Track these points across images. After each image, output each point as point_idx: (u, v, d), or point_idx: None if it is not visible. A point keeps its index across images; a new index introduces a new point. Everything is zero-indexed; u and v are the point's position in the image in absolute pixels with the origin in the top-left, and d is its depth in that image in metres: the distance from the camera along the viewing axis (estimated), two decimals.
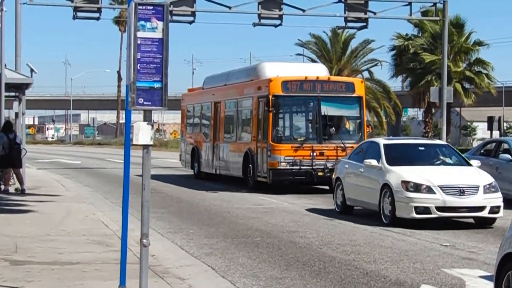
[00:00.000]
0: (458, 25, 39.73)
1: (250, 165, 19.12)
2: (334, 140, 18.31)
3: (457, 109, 62.48)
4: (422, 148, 13.79)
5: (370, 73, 42.01)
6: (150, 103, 5.89)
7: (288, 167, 17.99)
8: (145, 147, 5.99)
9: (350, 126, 19.28)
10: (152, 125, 6.02)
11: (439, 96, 26.75)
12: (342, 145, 18.02)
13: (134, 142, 5.92)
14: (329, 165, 17.75)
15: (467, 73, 39.75)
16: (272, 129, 18.15)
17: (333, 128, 18.52)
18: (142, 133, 5.89)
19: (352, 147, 16.50)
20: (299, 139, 18.57)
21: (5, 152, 16.51)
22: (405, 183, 11.97)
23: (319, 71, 19.96)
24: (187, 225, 12.38)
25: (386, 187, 12.28)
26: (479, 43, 40.45)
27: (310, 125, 18.93)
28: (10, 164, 16.91)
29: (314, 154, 18.02)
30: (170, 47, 5.90)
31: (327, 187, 18.17)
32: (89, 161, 35.95)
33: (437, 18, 29.36)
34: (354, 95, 18.80)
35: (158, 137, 71.42)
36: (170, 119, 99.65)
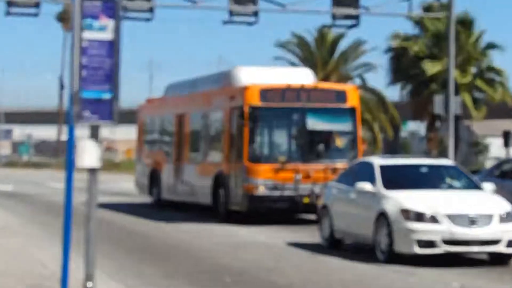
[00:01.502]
0: (465, 24, 40.23)
1: (221, 191, 19.13)
2: (323, 159, 18.39)
3: (467, 122, 63.26)
4: (425, 170, 13.92)
5: (363, 79, 42.42)
6: (97, 116, 5.89)
7: (267, 193, 18.01)
8: (92, 170, 5.97)
9: (341, 142, 19.37)
10: (101, 143, 6.01)
11: (445, 107, 27.08)
12: (332, 165, 18.11)
13: (79, 165, 5.90)
14: (317, 189, 17.79)
15: (478, 82, 40.16)
16: (248, 146, 18.20)
17: (322, 146, 18.61)
18: (88, 154, 5.88)
19: (344, 168, 16.60)
20: (280, 159, 18.61)
21: None
22: (405, 212, 12.06)
23: (304, 77, 20.06)
24: (141, 263, 12.31)
25: (382, 216, 12.36)
26: (491, 46, 40.95)
27: (293, 141, 18.95)
28: None
29: (299, 176, 18.09)
30: (123, 49, 5.91)
31: (314, 217, 18.22)
32: (23, 186, 35.60)
33: (441, 15, 29.80)
34: (346, 105, 18.91)
35: (108, 157, 71.20)
36: (123, 135, 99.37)
